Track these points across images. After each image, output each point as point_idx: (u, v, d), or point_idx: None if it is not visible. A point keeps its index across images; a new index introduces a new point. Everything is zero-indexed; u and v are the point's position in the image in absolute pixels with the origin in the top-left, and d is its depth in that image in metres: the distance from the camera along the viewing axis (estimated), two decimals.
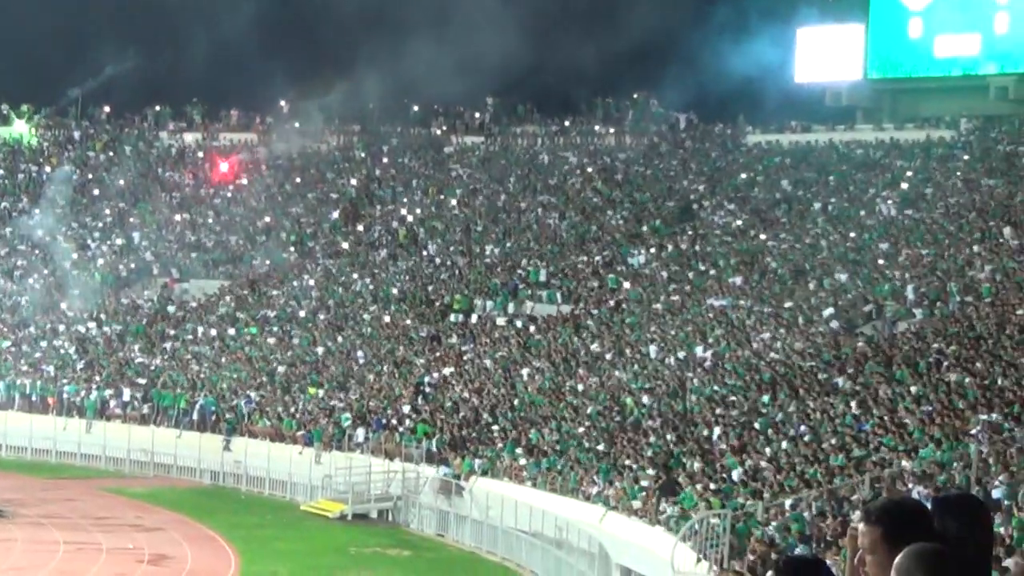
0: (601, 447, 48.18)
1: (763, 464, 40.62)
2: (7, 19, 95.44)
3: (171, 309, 75.43)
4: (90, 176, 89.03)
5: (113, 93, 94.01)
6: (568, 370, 58.13)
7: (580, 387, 55.67)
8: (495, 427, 54.95)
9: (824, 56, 78.93)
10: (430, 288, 71.32)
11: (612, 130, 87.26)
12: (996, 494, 31.85)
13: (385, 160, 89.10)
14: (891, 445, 38.19)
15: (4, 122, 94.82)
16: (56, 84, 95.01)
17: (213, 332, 71.85)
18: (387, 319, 68.93)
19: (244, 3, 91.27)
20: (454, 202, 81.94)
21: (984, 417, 37.94)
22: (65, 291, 78.14)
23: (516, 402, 56.33)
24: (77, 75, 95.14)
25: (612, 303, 64.52)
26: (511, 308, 67.28)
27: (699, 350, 55.18)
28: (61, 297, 77.55)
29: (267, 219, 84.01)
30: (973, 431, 36.99)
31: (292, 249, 79.89)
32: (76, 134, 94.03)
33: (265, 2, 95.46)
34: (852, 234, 64.00)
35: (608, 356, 58.33)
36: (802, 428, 42.60)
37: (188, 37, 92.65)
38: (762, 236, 67.41)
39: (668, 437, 46.69)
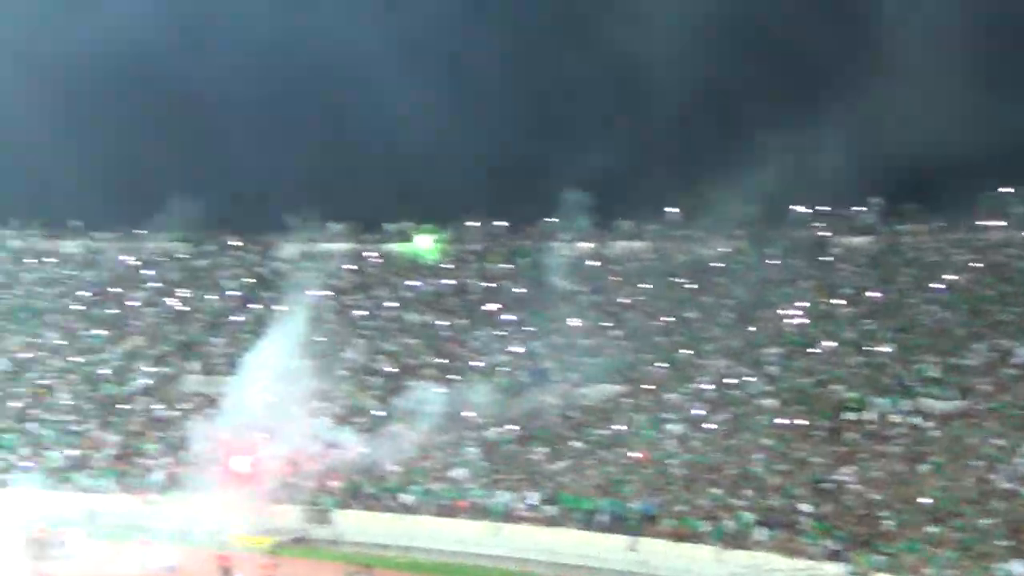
0: (1006, 542, 47.79)
1: None
2: (402, 146, 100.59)
3: (572, 413, 77.51)
4: (492, 287, 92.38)
5: (507, 208, 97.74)
6: (966, 466, 57.64)
7: (979, 482, 55.03)
8: (894, 523, 54.81)
9: None
10: (823, 387, 71.56)
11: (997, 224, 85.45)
12: None
13: (772, 262, 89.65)
14: None
15: (405, 239, 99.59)
16: (455, 204, 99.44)
17: (614, 432, 73.09)
18: (782, 418, 69.36)
19: (642, 116, 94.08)
20: (843, 301, 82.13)
21: None
22: (469, 398, 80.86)
23: (916, 498, 56.06)
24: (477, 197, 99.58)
25: (1008, 397, 63.79)
26: (905, 405, 67.05)
27: None
28: (466, 404, 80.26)
29: (661, 323, 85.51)
30: None
31: (688, 351, 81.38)
32: (478, 247, 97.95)
33: (657, 113, 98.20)
34: None
35: (1008, 451, 57.63)
36: None
37: (583, 156, 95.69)
38: None
39: None
